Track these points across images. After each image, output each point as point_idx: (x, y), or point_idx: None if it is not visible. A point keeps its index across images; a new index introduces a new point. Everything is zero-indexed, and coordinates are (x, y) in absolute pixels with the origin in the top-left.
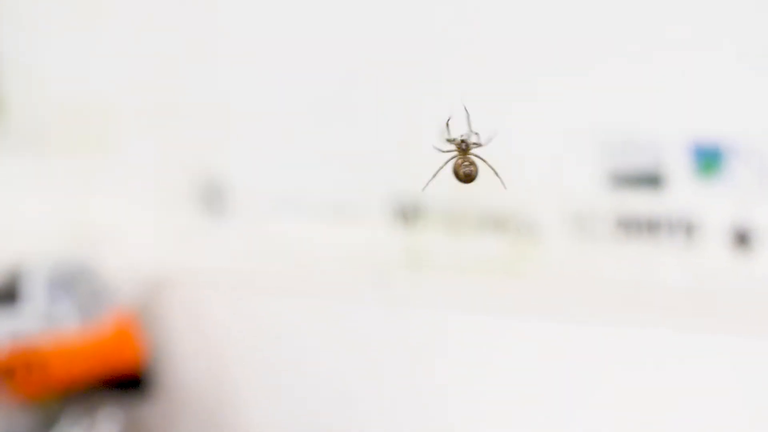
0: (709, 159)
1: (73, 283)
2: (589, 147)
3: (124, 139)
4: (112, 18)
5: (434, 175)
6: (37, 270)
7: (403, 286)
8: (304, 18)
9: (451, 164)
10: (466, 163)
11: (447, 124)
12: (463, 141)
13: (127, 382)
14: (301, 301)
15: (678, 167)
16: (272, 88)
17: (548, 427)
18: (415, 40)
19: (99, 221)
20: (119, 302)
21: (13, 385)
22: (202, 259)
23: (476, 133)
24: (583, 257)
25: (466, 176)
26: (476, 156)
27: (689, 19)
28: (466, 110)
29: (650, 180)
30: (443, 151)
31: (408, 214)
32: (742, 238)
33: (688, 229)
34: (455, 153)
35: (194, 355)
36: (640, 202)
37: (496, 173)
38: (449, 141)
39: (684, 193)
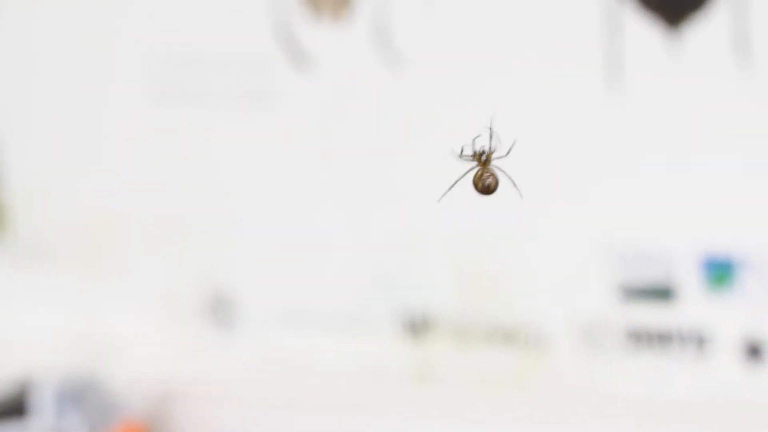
0: (720, 271)
1: (81, 396)
2: (599, 259)
3: (132, 251)
4: (118, 129)
5: (451, 186)
6: (46, 383)
7: (411, 399)
8: (308, 132)
9: (470, 177)
10: (486, 174)
11: (473, 143)
12: (482, 153)
13: None
14: (310, 413)
15: (689, 279)
16: (279, 200)
17: None
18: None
19: (107, 334)
20: (128, 415)
21: None
22: (211, 371)
23: (495, 145)
24: (593, 370)
25: (485, 188)
26: (497, 167)
27: (699, 132)
28: (489, 126)
29: (661, 292)
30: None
31: (417, 326)
32: (754, 351)
33: (699, 341)
34: (474, 165)
35: None
36: (651, 315)
37: (515, 184)
38: (467, 156)
39: (695, 306)
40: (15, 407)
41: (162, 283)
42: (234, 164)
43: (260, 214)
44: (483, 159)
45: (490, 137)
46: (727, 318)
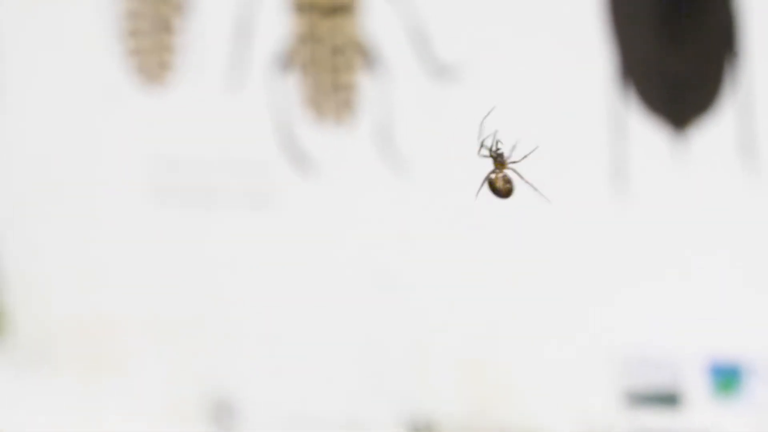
0: (727, 378)
1: None
2: (605, 364)
3: (132, 354)
4: (118, 231)
5: (480, 188)
6: None
7: None
8: (310, 235)
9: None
10: (505, 178)
11: (482, 141)
12: (499, 154)
13: None
14: None
15: (696, 386)
16: (280, 302)
17: None
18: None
19: None
20: None
21: None
22: None
23: (506, 147)
24: None
25: (507, 192)
26: (513, 170)
27: (705, 237)
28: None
29: (667, 398)
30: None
31: (421, 429)
32: None
33: None
34: (492, 166)
35: None
36: (658, 421)
37: (535, 188)
38: (485, 154)
39: (702, 412)
40: None
41: (162, 386)
42: (235, 267)
43: (262, 316)
44: (500, 160)
45: (496, 140)
46: (735, 424)
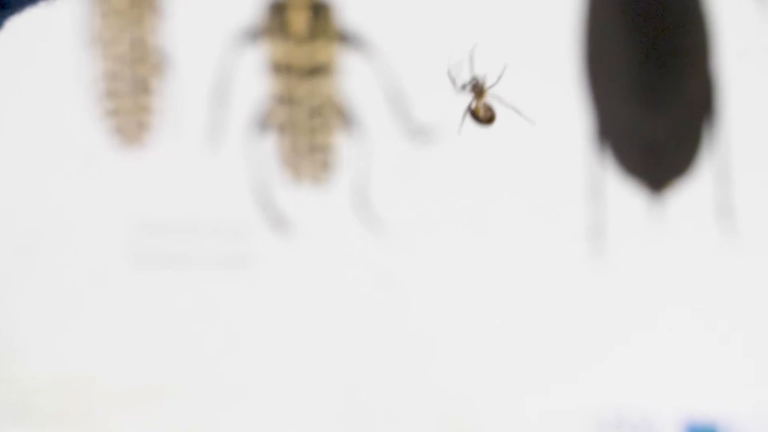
0: None
1: None
2: (582, 425)
3: (110, 414)
4: (97, 292)
5: (462, 122)
6: None
7: None
8: (289, 295)
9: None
10: (485, 106)
11: (450, 73)
12: (476, 83)
13: None
14: None
15: None
16: (260, 362)
17: None
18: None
19: None
20: None
21: None
22: None
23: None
24: None
25: (488, 120)
26: (494, 96)
27: (682, 298)
28: (470, 56)
29: None
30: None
31: None
32: None
33: None
34: (471, 96)
35: None
36: None
37: (518, 112)
38: (461, 86)
39: None
40: None
41: None
42: (214, 327)
43: (241, 377)
44: (479, 89)
45: (472, 69)
46: None
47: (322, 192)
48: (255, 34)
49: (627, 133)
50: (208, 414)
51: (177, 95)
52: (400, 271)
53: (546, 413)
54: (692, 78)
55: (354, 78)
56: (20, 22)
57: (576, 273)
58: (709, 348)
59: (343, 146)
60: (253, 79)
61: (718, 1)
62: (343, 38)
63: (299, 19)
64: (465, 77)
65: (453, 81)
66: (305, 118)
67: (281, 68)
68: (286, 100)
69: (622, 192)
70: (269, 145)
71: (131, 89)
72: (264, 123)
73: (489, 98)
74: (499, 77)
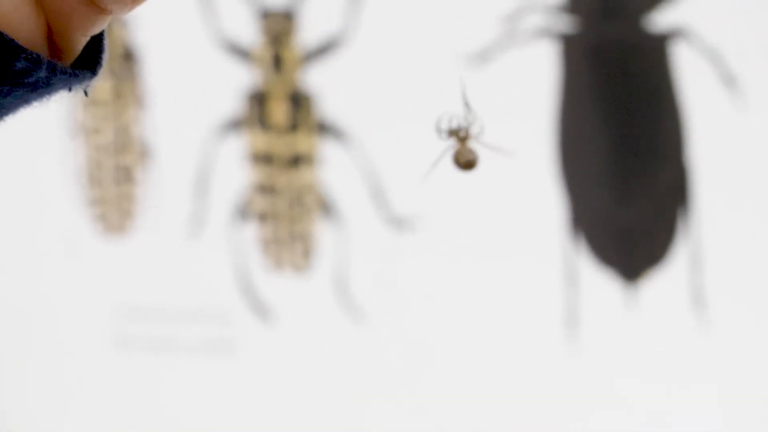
0: None
1: None
2: None
3: None
4: (81, 377)
5: (434, 165)
6: None
7: None
8: (271, 382)
9: (450, 155)
10: (468, 150)
11: (439, 122)
12: (459, 129)
13: None
14: None
15: None
16: None
17: None
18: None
19: None
20: None
21: None
22: None
23: (471, 119)
24: None
25: (467, 164)
26: (477, 142)
27: (657, 385)
28: (463, 97)
29: None
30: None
31: None
32: None
33: None
34: (454, 143)
35: None
36: None
37: (500, 151)
38: (446, 132)
39: None
40: None
41: None
42: (196, 412)
43: None
44: (461, 135)
45: (466, 111)
46: None
47: (304, 279)
48: (236, 125)
49: (601, 221)
50: None
51: (160, 184)
52: (382, 357)
53: None
54: (666, 167)
55: (334, 167)
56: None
57: (551, 359)
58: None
59: (324, 235)
60: (234, 168)
61: (691, 90)
62: (323, 128)
63: (280, 110)
64: (450, 124)
65: (439, 130)
66: (286, 207)
67: (262, 158)
68: (267, 189)
69: (597, 280)
70: (251, 234)
71: (114, 178)
72: (245, 212)
73: (471, 144)
74: (481, 126)
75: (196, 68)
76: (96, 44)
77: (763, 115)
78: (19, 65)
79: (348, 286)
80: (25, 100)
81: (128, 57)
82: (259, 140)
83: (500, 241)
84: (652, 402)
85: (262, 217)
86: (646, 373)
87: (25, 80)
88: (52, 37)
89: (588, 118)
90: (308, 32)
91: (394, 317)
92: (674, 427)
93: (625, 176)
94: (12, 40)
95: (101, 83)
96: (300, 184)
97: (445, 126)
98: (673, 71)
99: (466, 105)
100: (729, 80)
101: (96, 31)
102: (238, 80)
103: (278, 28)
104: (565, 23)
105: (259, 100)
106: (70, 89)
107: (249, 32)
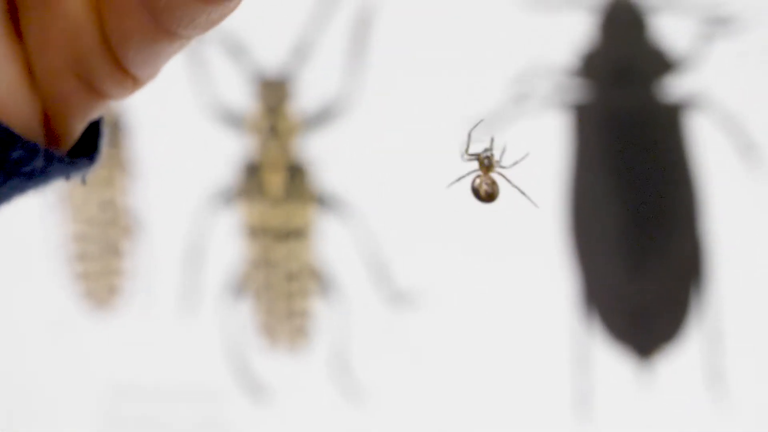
0: None
1: None
2: None
3: None
4: None
5: (456, 181)
6: None
7: None
8: None
9: (470, 180)
10: (488, 181)
11: (468, 137)
12: (486, 157)
13: None
14: None
15: None
16: None
17: None
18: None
19: None
20: None
21: None
22: None
23: (494, 150)
24: None
25: (487, 195)
26: (500, 174)
27: None
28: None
29: None
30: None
31: None
32: None
33: None
34: (477, 170)
35: None
36: None
37: (523, 193)
38: (471, 156)
39: None
40: None
41: None
42: None
43: None
44: (486, 164)
45: (491, 143)
46: None
47: (300, 358)
48: (230, 196)
49: (614, 298)
50: None
51: (149, 258)
52: None
53: None
54: (680, 241)
55: (332, 241)
56: None
57: None
58: None
59: (321, 311)
60: (228, 241)
61: (707, 162)
62: (320, 200)
63: (275, 181)
64: (476, 149)
65: (464, 150)
66: (282, 281)
67: (257, 230)
68: (262, 263)
69: (610, 358)
70: (245, 310)
71: (101, 252)
72: (240, 287)
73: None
74: (515, 163)
75: (187, 137)
76: (93, 129)
77: None
78: (15, 154)
79: (346, 365)
80: (20, 190)
81: (117, 125)
82: (254, 212)
83: (508, 318)
84: None
85: (257, 293)
86: None
87: (21, 169)
88: (48, 122)
89: (601, 191)
90: (305, 99)
91: (396, 398)
92: None
93: (639, 249)
94: (7, 128)
95: None
96: (297, 257)
97: (470, 148)
98: (689, 140)
99: (491, 139)
100: (747, 149)
101: (95, 116)
102: (232, 149)
103: (274, 95)
104: (577, 89)
105: (253, 170)
106: (67, 178)
107: (243, 99)
